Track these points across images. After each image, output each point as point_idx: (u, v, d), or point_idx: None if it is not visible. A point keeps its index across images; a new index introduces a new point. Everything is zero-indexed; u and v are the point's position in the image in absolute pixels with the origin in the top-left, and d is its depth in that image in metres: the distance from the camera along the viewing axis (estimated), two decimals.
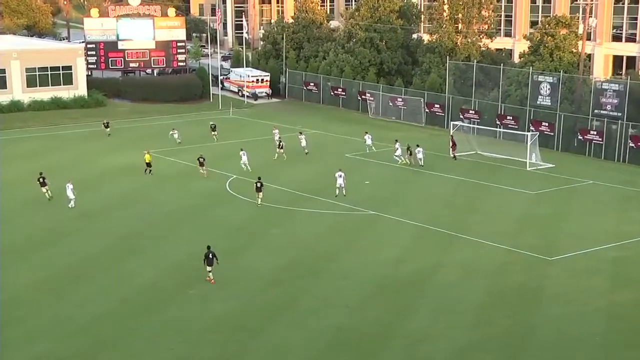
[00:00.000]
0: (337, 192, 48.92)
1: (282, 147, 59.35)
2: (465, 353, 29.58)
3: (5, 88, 76.70)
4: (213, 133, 66.03)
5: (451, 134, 62.69)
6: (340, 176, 49.04)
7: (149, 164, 53.52)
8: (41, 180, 47.70)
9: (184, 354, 29.02)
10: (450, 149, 60.70)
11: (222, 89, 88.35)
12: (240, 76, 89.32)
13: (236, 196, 49.55)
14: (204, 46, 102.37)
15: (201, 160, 54.05)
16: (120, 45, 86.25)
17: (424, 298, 34.45)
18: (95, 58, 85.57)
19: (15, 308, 32.67)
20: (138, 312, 32.50)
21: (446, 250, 40.41)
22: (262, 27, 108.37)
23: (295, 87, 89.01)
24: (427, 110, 75.36)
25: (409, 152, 57.94)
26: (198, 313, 32.47)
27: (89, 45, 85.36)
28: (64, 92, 79.24)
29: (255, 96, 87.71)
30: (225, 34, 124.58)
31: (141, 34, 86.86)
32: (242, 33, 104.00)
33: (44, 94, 78.20)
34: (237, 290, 34.92)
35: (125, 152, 61.35)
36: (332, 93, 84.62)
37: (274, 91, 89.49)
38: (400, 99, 77.30)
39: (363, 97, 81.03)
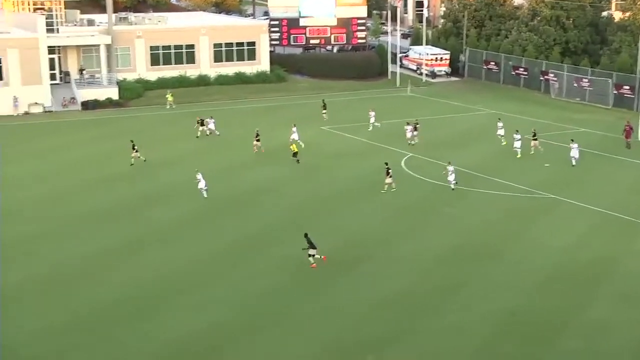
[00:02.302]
0: (453, 186, 45.90)
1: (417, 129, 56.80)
2: None
3: (194, 63, 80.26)
4: (323, 111, 65.14)
5: (627, 119, 59.03)
6: (451, 171, 45.96)
7: (295, 154, 51.56)
8: (135, 148, 50.74)
9: (345, 331, 29.10)
10: (624, 136, 56.97)
11: (400, 66, 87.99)
12: (420, 54, 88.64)
13: (411, 174, 49.29)
14: (384, 23, 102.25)
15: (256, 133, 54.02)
16: (302, 22, 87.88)
17: (604, 287, 32.80)
18: (278, 34, 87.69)
19: (188, 278, 33.93)
20: (306, 287, 32.87)
21: (631, 238, 38.22)
22: (443, 5, 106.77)
23: (475, 66, 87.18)
24: (615, 92, 71.54)
25: (534, 138, 54.19)
26: (368, 290, 32.51)
27: (272, 22, 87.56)
28: (248, 68, 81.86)
29: (433, 74, 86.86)
30: (406, 12, 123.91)
31: (322, 11, 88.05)
32: (423, 11, 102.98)
33: (229, 68, 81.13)
34: (407, 269, 34.74)
35: (301, 127, 62.44)
36: (513, 72, 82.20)
37: (453, 70, 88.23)
38: (586, 80, 73.83)
39: (546, 77, 78.10)
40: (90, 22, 78.38)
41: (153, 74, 77.73)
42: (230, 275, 33.97)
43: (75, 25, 77.64)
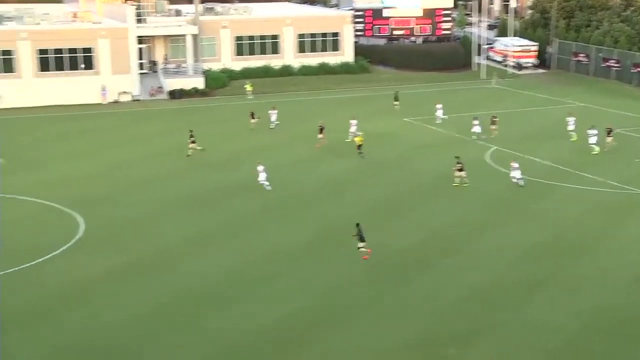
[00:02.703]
0: (522, 183, 44.23)
1: (494, 123, 55.61)
2: None
3: (278, 53, 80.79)
4: (395, 103, 64.78)
5: None
6: (516, 167, 44.17)
7: (359, 147, 50.92)
8: (191, 137, 50.96)
9: (428, 324, 28.77)
10: None
11: (486, 58, 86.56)
12: (506, 46, 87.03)
13: (495, 167, 48.44)
14: (470, 14, 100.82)
15: (320, 127, 53.40)
16: (386, 13, 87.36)
17: None
18: (362, 25, 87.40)
19: (269, 267, 33.97)
20: (388, 279, 32.56)
21: None
22: None
23: (563, 57, 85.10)
24: None
25: (608, 134, 51.78)
26: (451, 283, 32.09)
27: (356, 13, 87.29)
28: (331, 58, 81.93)
29: (519, 66, 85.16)
30: (492, 2, 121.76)
31: (407, 2, 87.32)
32: (510, 1, 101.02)
33: (313, 59, 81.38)
34: (491, 263, 34.11)
35: (383, 118, 62.40)
36: (603, 65, 79.87)
37: (540, 62, 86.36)
38: None
39: (639, 69, 75.58)
40: (178, 13, 79.74)
41: (238, 64, 78.56)
42: (311, 265, 33.95)
43: (163, 15, 79.11)
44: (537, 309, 29.71)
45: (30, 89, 68.74)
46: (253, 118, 58.74)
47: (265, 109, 60.38)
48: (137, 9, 74.10)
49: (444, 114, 60.53)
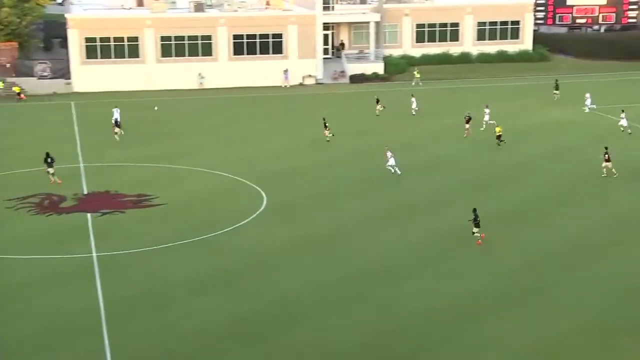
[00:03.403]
0: None
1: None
2: None
3: (457, 40, 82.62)
4: (555, 92, 64.90)
5: None
6: None
7: (499, 137, 51.29)
8: (326, 125, 53.33)
9: (607, 311, 29.22)
10: None
11: None
12: None
13: None
14: None
15: (467, 117, 53.43)
16: (569, 1, 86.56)
17: None
18: (543, 14, 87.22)
19: (448, 245, 36.17)
20: (563, 263, 33.64)
21: None
22: None
23: None
24: None
25: None
26: (627, 273, 32.32)
27: (538, 1, 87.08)
28: (510, 46, 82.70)
29: None
30: None
31: None
32: None
33: (491, 47, 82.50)
34: None
35: (559, 107, 62.85)
36: None
37: None
38: None
39: None
40: (362, 0, 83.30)
41: (417, 51, 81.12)
42: (488, 249, 34.96)
43: (348, 3, 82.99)
44: None
45: (225, 71, 74.84)
46: (378, 104, 61.24)
47: (440, 95, 62.04)
48: None
49: (592, 104, 60.39)
